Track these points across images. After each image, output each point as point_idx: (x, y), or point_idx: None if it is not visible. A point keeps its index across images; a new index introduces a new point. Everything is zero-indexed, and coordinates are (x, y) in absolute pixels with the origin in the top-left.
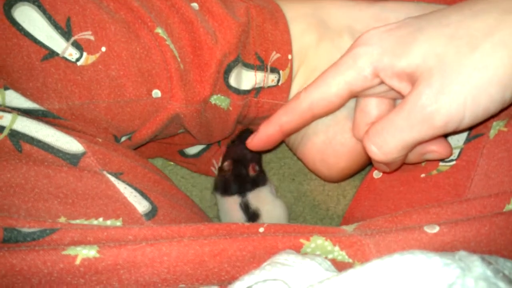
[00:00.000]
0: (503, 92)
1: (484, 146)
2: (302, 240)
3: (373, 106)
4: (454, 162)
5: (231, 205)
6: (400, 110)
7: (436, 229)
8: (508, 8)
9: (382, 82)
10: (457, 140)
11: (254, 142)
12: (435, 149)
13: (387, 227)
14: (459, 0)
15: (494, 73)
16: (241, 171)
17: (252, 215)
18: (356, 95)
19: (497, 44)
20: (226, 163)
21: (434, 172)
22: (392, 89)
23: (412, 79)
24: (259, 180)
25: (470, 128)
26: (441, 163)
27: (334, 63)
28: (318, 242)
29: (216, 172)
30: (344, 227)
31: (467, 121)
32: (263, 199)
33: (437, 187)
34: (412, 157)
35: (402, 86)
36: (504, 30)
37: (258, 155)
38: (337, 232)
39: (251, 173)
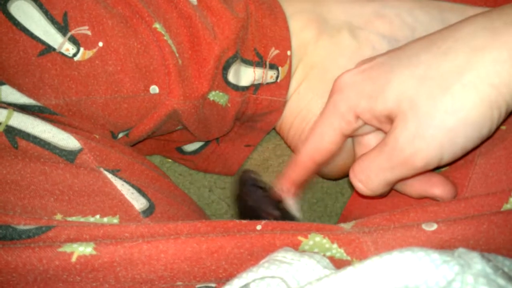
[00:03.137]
0: (479, 131)
1: (482, 146)
2: (300, 238)
3: (369, 138)
4: None
5: None
6: (381, 151)
7: (434, 226)
8: (476, 47)
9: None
10: None
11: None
12: (439, 194)
13: (385, 224)
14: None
15: (467, 115)
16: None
17: None
18: (351, 136)
19: (467, 85)
20: None
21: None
22: (376, 128)
23: (391, 119)
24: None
25: None
26: None
27: (320, 113)
28: (316, 239)
29: None
30: (342, 225)
31: (447, 159)
32: None
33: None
34: (414, 194)
35: (383, 126)
36: (473, 71)
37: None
38: (335, 229)
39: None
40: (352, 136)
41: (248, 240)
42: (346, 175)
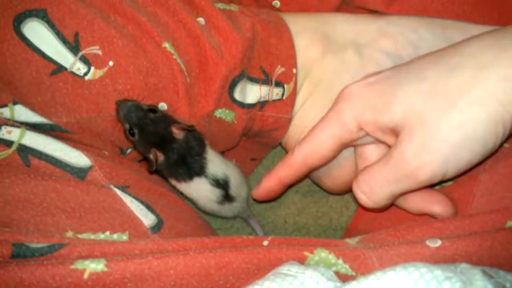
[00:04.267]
0: (484, 146)
1: (487, 161)
2: (306, 253)
3: (371, 152)
4: (457, 178)
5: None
6: (386, 163)
7: (438, 243)
8: (483, 63)
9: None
10: None
11: (258, 193)
12: (438, 212)
13: (389, 240)
14: (460, 15)
15: (473, 131)
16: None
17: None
18: (348, 146)
19: (474, 101)
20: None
21: (437, 187)
22: (377, 140)
23: (395, 132)
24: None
25: None
26: None
27: (322, 118)
28: (322, 255)
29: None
30: (347, 240)
31: (451, 173)
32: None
33: None
34: (414, 210)
35: (387, 138)
36: (480, 88)
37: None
38: (341, 245)
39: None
40: (350, 146)
41: (255, 255)
42: (350, 190)
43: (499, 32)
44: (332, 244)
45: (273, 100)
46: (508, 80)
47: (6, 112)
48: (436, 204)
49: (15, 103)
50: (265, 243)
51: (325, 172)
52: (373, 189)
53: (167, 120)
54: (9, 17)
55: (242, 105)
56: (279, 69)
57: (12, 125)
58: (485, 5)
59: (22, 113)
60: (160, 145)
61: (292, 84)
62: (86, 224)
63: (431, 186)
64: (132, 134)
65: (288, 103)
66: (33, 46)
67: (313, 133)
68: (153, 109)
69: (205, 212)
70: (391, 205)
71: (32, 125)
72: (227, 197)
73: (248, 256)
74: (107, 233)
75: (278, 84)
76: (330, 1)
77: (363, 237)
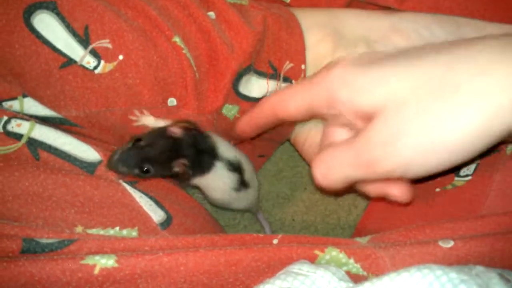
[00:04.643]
0: (450, 157)
1: (500, 162)
2: (316, 252)
3: (339, 135)
4: (470, 178)
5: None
6: (350, 146)
7: (450, 243)
8: (483, 67)
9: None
10: None
11: (235, 133)
12: (395, 194)
13: (401, 240)
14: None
15: (445, 139)
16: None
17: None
18: (318, 117)
19: (463, 106)
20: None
21: (449, 186)
22: (348, 122)
23: (368, 117)
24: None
25: None
26: (456, 178)
27: (308, 78)
28: (333, 253)
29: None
30: (358, 239)
31: (411, 175)
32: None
33: (452, 202)
34: (372, 193)
35: (356, 122)
36: (473, 93)
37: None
38: (352, 244)
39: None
40: (320, 117)
41: (266, 253)
42: (349, 191)
43: (506, 38)
44: (342, 243)
45: None
46: (505, 90)
47: (15, 105)
48: (393, 186)
49: (24, 96)
50: (275, 241)
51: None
52: (330, 170)
53: (159, 131)
54: (19, 9)
55: (247, 98)
56: (288, 65)
57: (22, 118)
58: (499, 3)
59: (32, 106)
60: (175, 154)
61: (300, 80)
62: (95, 219)
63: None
64: (148, 171)
65: None
66: (43, 39)
67: (291, 88)
68: (138, 139)
69: (218, 206)
70: (346, 191)
71: (41, 118)
72: (242, 183)
73: (258, 254)
74: (117, 228)
75: (286, 79)
76: None
77: (373, 237)
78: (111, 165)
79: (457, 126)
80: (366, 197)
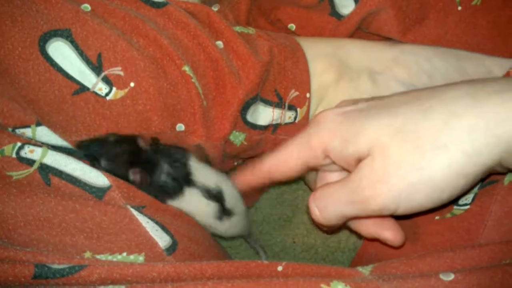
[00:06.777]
0: (438, 194)
1: (498, 192)
2: (323, 286)
3: (333, 178)
4: (468, 207)
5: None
6: (344, 185)
7: (451, 277)
8: (456, 111)
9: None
10: None
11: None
12: (389, 238)
13: (403, 270)
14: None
15: (431, 177)
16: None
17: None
18: (314, 169)
19: (439, 148)
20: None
21: (448, 215)
22: (342, 169)
23: (358, 161)
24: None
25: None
26: (455, 207)
27: (295, 136)
28: (339, 287)
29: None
30: (360, 269)
31: (402, 211)
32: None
33: (451, 230)
34: (366, 234)
35: (350, 168)
36: (448, 136)
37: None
38: (355, 275)
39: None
40: (315, 169)
41: (272, 287)
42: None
43: (479, 82)
44: (345, 275)
45: (286, 123)
46: (477, 132)
47: (28, 132)
48: (387, 230)
49: (38, 125)
50: (280, 268)
51: None
52: (326, 206)
53: (132, 136)
54: (35, 37)
55: (254, 126)
56: (293, 93)
57: (35, 145)
58: (498, 37)
59: (43, 135)
60: (134, 161)
61: (305, 108)
62: (103, 245)
63: (443, 207)
64: (99, 163)
65: (300, 126)
66: (57, 66)
67: (283, 149)
68: (114, 133)
69: (211, 233)
70: (342, 227)
71: (53, 146)
72: (224, 211)
73: None
74: (124, 254)
75: (291, 107)
76: (345, 26)
77: (375, 267)
78: (79, 144)
79: (433, 167)
80: (360, 236)
